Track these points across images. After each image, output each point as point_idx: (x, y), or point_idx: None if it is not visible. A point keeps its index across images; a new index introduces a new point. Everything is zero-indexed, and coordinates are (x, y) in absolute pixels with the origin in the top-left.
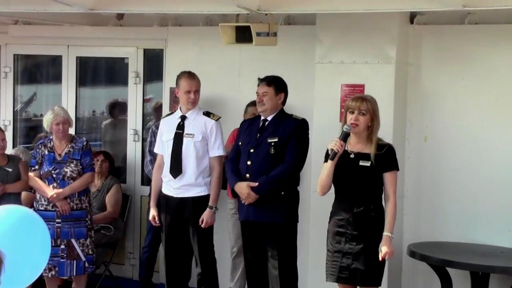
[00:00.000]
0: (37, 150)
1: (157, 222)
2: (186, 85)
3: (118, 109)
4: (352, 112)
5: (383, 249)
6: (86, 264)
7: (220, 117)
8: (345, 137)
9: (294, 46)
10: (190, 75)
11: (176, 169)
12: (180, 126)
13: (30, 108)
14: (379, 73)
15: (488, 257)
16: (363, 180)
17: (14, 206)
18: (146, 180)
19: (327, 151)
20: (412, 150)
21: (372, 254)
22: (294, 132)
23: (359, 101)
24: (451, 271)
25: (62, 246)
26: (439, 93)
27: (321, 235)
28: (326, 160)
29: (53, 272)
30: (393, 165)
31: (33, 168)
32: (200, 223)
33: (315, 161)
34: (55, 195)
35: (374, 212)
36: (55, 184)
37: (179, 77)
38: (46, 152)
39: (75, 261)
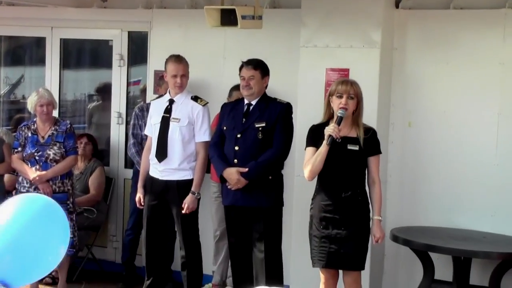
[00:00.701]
0: (20, 132)
1: (142, 204)
2: (172, 69)
3: (106, 91)
4: (340, 96)
5: (376, 234)
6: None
7: (207, 102)
8: (340, 121)
9: (279, 29)
10: (177, 59)
11: (161, 153)
12: (168, 110)
13: (18, 91)
14: (364, 57)
15: (470, 242)
16: (351, 165)
17: (32, 195)
18: (129, 163)
19: (309, 136)
20: (396, 135)
21: (359, 238)
22: (280, 116)
23: (348, 85)
24: (433, 255)
25: None
26: (424, 77)
27: (304, 219)
28: (309, 145)
29: None
30: (378, 149)
31: (16, 150)
32: (182, 208)
33: (299, 145)
34: (37, 178)
35: (361, 197)
36: (37, 167)
37: (166, 61)
38: (30, 134)
39: None
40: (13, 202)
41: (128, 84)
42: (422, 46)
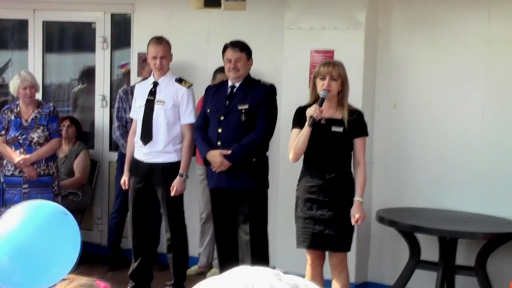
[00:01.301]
0: (3, 115)
1: (127, 187)
2: (152, 51)
3: (90, 75)
4: (323, 78)
5: (356, 215)
6: None
7: (191, 84)
8: (322, 102)
9: (263, 11)
10: (157, 41)
11: (146, 135)
12: (152, 93)
13: (6, 75)
14: (348, 39)
15: (456, 223)
16: (335, 146)
17: (42, 202)
18: (114, 146)
19: (295, 117)
20: (381, 117)
21: (343, 220)
22: (264, 98)
23: (330, 67)
24: (419, 236)
25: None
26: (409, 59)
27: (289, 201)
28: (295, 127)
29: None
30: (363, 131)
31: None
32: (170, 191)
33: (284, 127)
34: (22, 161)
35: (345, 178)
36: (21, 150)
37: (148, 43)
38: (13, 118)
39: None
40: (23, 208)
41: (118, 67)
42: (407, 27)
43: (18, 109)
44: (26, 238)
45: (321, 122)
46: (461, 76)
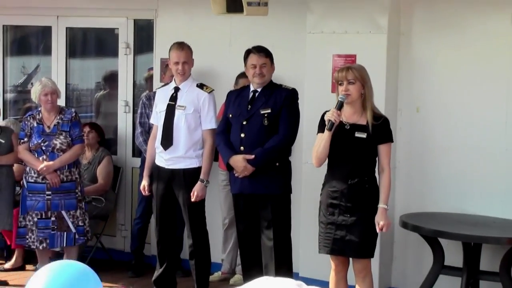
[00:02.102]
0: (26, 122)
1: (147, 192)
2: (174, 56)
3: (112, 80)
4: (341, 84)
5: (381, 221)
6: (77, 236)
7: (213, 90)
8: (340, 106)
9: (285, 16)
10: (179, 46)
11: (167, 141)
12: (173, 98)
13: (34, 80)
14: (370, 43)
15: (480, 227)
16: (358, 152)
17: (68, 263)
18: (137, 151)
19: (320, 121)
20: (404, 121)
21: (366, 226)
22: (286, 102)
23: (344, 71)
24: (443, 241)
25: (53, 218)
26: (431, 62)
27: (312, 207)
28: (320, 131)
29: (44, 244)
30: (388, 137)
31: (22, 141)
32: (191, 196)
33: (306, 132)
34: (45, 168)
35: (368, 184)
36: (44, 157)
37: (170, 48)
38: (35, 124)
39: (65, 233)
40: (48, 269)
41: (148, 70)
42: (429, 30)
43: (40, 115)
44: None
45: (345, 127)
46: (484, 79)
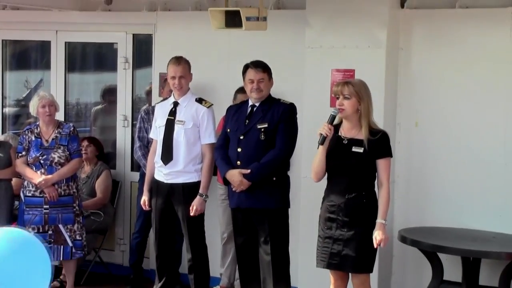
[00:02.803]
0: (24, 136)
1: (147, 207)
2: (171, 71)
3: (110, 94)
4: (338, 98)
5: (378, 236)
6: (74, 250)
7: (212, 104)
8: (332, 120)
9: (284, 30)
10: (176, 61)
11: (167, 155)
12: (172, 113)
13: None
14: (369, 58)
15: (479, 242)
16: (355, 166)
17: (11, 229)
18: (135, 166)
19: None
20: (402, 135)
21: (363, 240)
22: (283, 117)
23: (340, 86)
24: (442, 256)
25: (50, 232)
26: (430, 77)
27: (311, 221)
28: (319, 146)
29: None
30: (387, 152)
31: (20, 155)
32: (190, 210)
33: (305, 146)
34: (43, 182)
35: (366, 199)
36: (42, 170)
37: (168, 63)
38: (33, 138)
39: (62, 246)
40: None
41: (149, 84)
42: (428, 45)
43: (39, 129)
44: None
45: (343, 142)
46: (483, 95)
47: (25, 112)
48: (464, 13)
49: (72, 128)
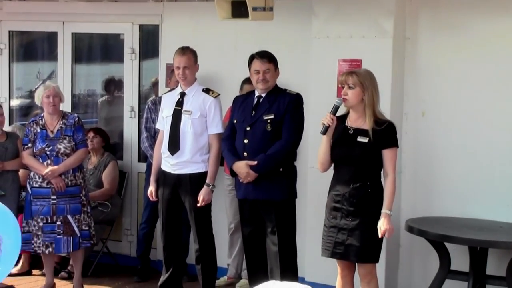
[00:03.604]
0: (29, 128)
1: (154, 198)
2: (176, 61)
3: (114, 85)
4: (343, 87)
5: (382, 226)
6: (81, 240)
7: (219, 94)
8: (335, 110)
9: (291, 20)
10: (181, 51)
11: (174, 146)
12: (179, 103)
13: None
14: (376, 47)
15: (486, 232)
16: (360, 156)
17: None
18: (142, 157)
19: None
20: (409, 125)
21: (367, 230)
22: (290, 107)
23: (345, 75)
24: (449, 246)
25: (59, 223)
26: (437, 66)
27: (318, 211)
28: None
29: (50, 249)
30: (392, 142)
31: (26, 146)
32: (197, 201)
33: (312, 137)
34: (50, 172)
35: (371, 189)
36: (49, 161)
37: (174, 53)
38: (38, 130)
39: (71, 238)
40: None
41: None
42: (435, 34)
43: (43, 121)
44: None
45: (349, 131)
46: (490, 84)
47: (34, 103)
48: (470, 1)
49: (77, 119)
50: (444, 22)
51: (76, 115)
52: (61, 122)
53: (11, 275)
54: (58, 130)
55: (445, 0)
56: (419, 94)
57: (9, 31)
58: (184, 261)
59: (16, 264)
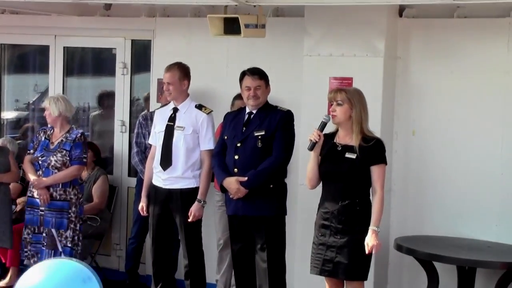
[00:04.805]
0: (37, 135)
1: (145, 213)
2: (164, 77)
3: (107, 100)
4: (332, 104)
5: (370, 242)
6: (62, 255)
7: (212, 111)
8: (323, 127)
9: (283, 38)
10: (167, 67)
11: (166, 161)
12: (172, 118)
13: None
14: (367, 66)
15: (475, 251)
16: (348, 172)
17: (66, 262)
18: (133, 171)
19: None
20: (399, 144)
21: (356, 248)
22: (280, 124)
23: (333, 92)
24: (437, 265)
25: (44, 234)
26: (428, 87)
27: (308, 228)
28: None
29: (35, 259)
30: (380, 159)
31: (28, 152)
32: (188, 216)
33: (302, 154)
34: (36, 182)
35: (360, 206)
36: (40, 172)
37: None
38: (43, 139)
39: (53, 251)
40: (45, 266)
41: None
42: (426, 55)
43: (52, 131)
44: None
45: (337, 148)
46: (480, 105)
47: (28, 116)
48: (462, 23)
49: (80, 135)
50: (435, 43)
51: (80, 131)
52: (63, 136)
53: None
54: (58, 142)
55: (437, 21)
56: (410, 113)
57: (1, 44)
58: (173, 277)
59: (4, 277)
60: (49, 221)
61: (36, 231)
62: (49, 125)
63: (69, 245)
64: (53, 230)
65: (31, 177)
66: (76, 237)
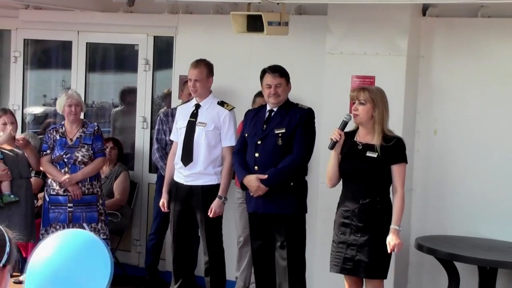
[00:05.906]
0: (49, 135)
1: (166, 209)
2: (189, 73)
3: (129, 96)
4: (354, 103)
5: (391, 242)
6: None
7: (234, 107)
8: (344, 126)
9: (305, 36)
10: (194, 64)
11: (187, 157)
12: (194, 115)
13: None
14: (389, 65)
15: (496, 252)
16: (369, 172)
17: (76, 231)
18: (153, 167)
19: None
20: (421, 143)
21: (376, 246)
22: (301, 122)
23: (356, 91)
24: (458, 265)
25: None
26: (450, 86)
27: (328, 227)
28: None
29: None
30: (401, 158)
31: (44, 153)
32: (209, 213)
33: (323, 152)
34: (67, 180)
35: (380, 205)
36: (66, 169)
37: None
38: (58, 137)
39: None
40: (56, 238)
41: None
42: (449, 54)
43: (64, 128)
44: (60, 268)
45: (358, 147)
46: (502, 104)
47: (49, 111)
48: (485, 22)
49: (97, 128)
50: (458, 42)
51: (95, 124)
52: (80, 131)
53: (19, 282)
54: (77, 138)
55: (461, 20)
56: (432, 113)
57: (24, 39)
58: (192, 273)
59: (25, 271)
60: (79, 217)
61: (66, 228)
62: (62, 122)
63: (103, 237)
64: (85, 225)
65: (59, 176)
66: (106, 229)
